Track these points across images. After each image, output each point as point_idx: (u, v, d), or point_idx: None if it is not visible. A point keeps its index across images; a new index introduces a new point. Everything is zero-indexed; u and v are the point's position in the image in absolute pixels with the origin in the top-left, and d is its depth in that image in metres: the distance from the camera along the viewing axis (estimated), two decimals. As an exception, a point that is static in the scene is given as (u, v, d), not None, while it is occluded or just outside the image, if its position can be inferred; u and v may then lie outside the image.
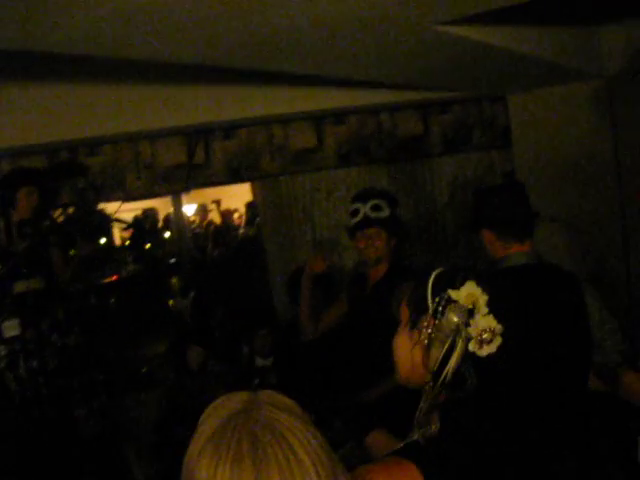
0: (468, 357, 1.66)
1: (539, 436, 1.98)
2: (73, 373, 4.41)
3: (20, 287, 4.24)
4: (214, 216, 10.51)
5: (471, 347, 1.65)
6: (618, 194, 4.98)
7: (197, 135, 4.83)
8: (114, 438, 4.34)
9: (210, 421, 1.14)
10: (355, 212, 3.72)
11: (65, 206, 4.69)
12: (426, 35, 2.97)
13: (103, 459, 4.27)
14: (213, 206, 10.50)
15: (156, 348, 5.61)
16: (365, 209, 3.65)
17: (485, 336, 1.64)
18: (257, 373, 4.40)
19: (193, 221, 10.64)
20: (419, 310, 1.72)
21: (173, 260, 8.62)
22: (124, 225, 8.13)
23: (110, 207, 7.02)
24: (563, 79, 4.82)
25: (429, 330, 1.68)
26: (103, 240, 7.86)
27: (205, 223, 10.40)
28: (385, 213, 3.66)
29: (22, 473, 3.92)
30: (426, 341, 1.68)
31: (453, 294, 1.68)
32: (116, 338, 6.10)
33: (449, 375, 1.64)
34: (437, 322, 1.67)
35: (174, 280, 7.84)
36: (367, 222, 3.64)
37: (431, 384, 1.66)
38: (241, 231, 9.79)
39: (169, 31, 2.46)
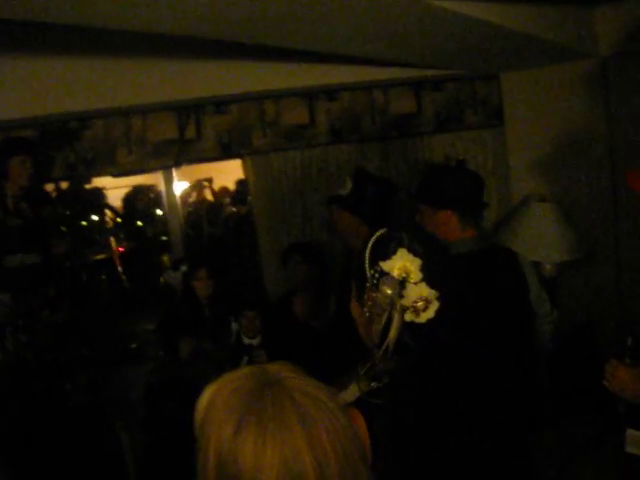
0: (408, 326, 1.69)
1: (476, 398, 2.01)
2: (61, 349, 4.41)
3: (14, 261, 4.22)
4: (207, 194, 10.48)
5: (407, 317, 1.68)
6: (610, 174, 4.98)
7: (188, 110, 4.80)
8: (103, 411, 4.35)
9: (231, 401, 1.12)
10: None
11: (58, 180, 4.66)
12: (421, 10, 2.94)
13: (92, 431, 4.28)
14: (205, 184, 10.46)
15: (145, 325, 5.61)
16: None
17: (419, 304, 1.67)
18: (245, 351, 4.39)
19: (186, 198, 10.59)
20: (360, 281, 1.73)
21: (164, 238, 8.60)
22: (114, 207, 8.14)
23: (101, 182, 7.02)
24: (557, 58, 4.80)
25: (369, 304, 1.70)
26: (95, 217, 7.86)
27: (198, 200, 10.37)
28: (347, 189, 3.76)
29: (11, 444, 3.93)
30: (368, 315, 1.71)
31: (385, 266, 1.69)
32: (106, 315, 6.09)
33: (390, 346, 1.66)
34: (374, 296, 1.69)
35: (165, 257, 7.82)
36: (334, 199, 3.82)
37: (378, 353, 1.69)
38: (232, 209, 9.76)
39: (163, 2, 2.42)
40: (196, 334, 4.53)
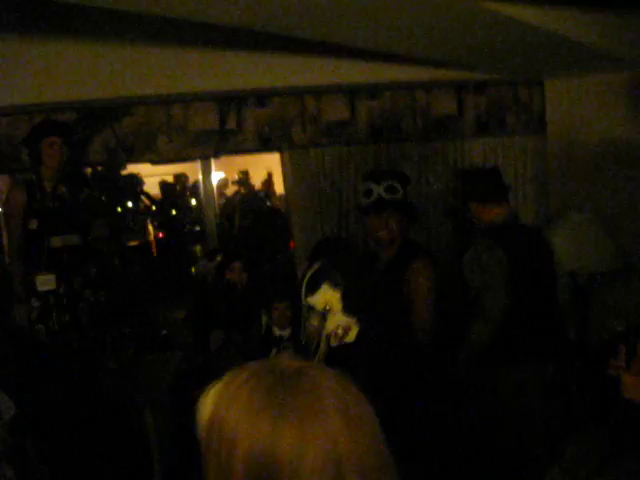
0: (335, 349, 1.96)
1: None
2: (104, 328, 4.48)
3: (56, 242, 4.28)
4: (241, 186, 10.52)
5: (333, 342, 1.94)
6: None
7: (230, 101, 4.81)
8: (132, 395, 4.39)
9: (255, 398, 1.09)
10: (368, 192, 3.74)
11: (96, 164, 4.71)
12: (470, 11, 2.93)
13: (121, 414, 4.33)
14: (241, 176, 10.50)
15: (175, 314, 5.64)
16: (379, 190, 3.69)
17: (339, 332, 1.92)
18: (275, 343, 4.40)
19: (220, 190, 10.63)
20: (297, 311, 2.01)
21: (197, 228, 8.65)
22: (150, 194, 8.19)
23: (135, 169, 7.06)
24: (603, 67, 4.74)
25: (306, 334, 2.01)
26: (130, 204, 7.92)
27: (233, 192, 10.40)
28: (399, 195, 3.72)
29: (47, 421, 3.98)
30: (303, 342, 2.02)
31: (311, 301, 1.95)
32: (139, 300, 6.14)
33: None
34: (307, 326, 1.98)
35: (197, 248, 7.87)
36: (382, 205, 3.69)
37: None
38: (267, 203, 9.80)
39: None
40: (226, 325, 4.55)
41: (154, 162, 4.95)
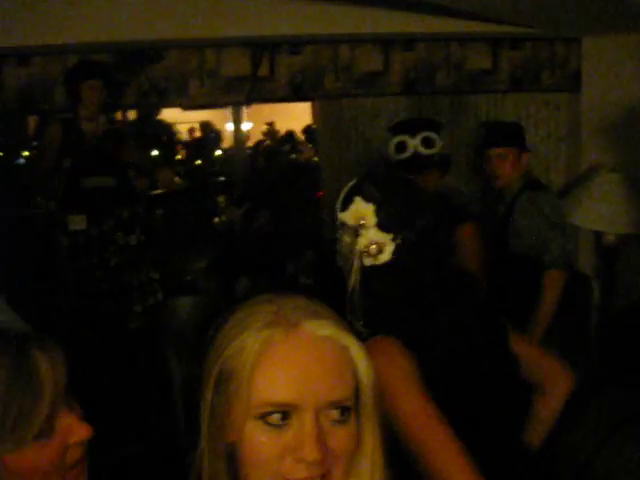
0: (368, 269, 1.81)
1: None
2: (133, 271, 4.52)
3: (90, 183, 4.31)
4: (267, 138, 10.51)
5: (367, 262, 1.80)
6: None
7: (263, 48, 4.78)
8: (157, 338, 4.44)
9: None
10: (401, 146, 3.36)
11: (129, 107, 4.72)
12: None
13: (146, 357, 4.39)
14: (268, 127, 10.49)
15: (197, 263, 5.67)
16: (415, 143, 3.33)
17: (372, 249, 1.78)
18: (301, 290, 4.43)
19: (247, 138, 10.60)
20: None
21: (222, 178, 8.66)
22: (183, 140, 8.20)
23: (168, 114, 7.07)
24: (641, 26, 4.66)
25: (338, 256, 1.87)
26: (155, 152, 7.93)
27: (255, 142, 10.39)
28: (437, 148, 3.38)
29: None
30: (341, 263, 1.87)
31: (342, 217, 1.83)
32: (164, 247, 6.18)
33: (356, 289, 1.79)
34: (339, 247, 1.84)
35: (221, 198, 7.89)
36: (420, 161, 3.32)
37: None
38: (292, 156, 9.79)
39: None
40: (253, 272, 4.59)
41: (185, 107, 4.96)
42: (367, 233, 1.78)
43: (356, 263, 1.78)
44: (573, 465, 2.11)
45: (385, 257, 1.78)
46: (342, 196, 1.85)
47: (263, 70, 4.79)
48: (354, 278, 1.78)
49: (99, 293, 4.40)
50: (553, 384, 2.08)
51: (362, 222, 1.77)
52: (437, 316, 1.82)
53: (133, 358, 4.35)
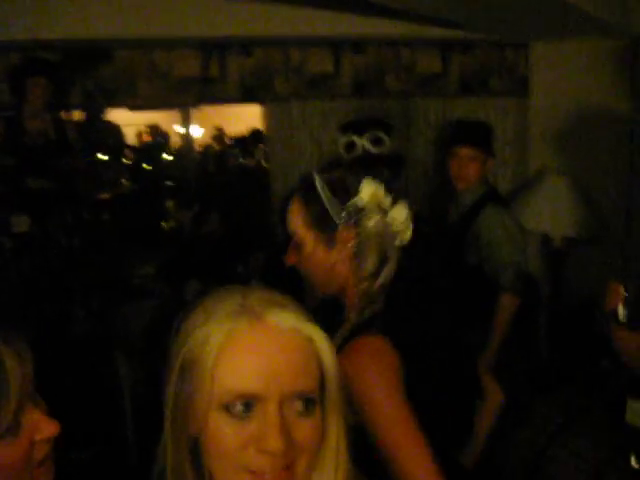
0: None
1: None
2: (76, 274, 4.43)
3: (33, 183, 4.21)
4: (215, 142, 10.43)
5: (397, 242, 1.74)
6: (629, 155, 4.95)
7: (213, 48, 4.74)
8: (105, 340, 4.36)
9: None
10: (350, 146, 3.44)
11: (75, 107, 4.62)
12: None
13: (93, 362, 4.30)
14: (216, 132, 10.40)
15: (145, 267, 5.60)
16: (363, 142, 3.41)
17: (403, 225, 1.74)
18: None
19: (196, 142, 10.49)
20: (326, 227, 1.73)
21: (170, 183, 8.56)
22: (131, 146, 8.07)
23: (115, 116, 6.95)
24: (589, 32, 4.73)
25: (353, 242, 1.72)
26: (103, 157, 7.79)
27: (204, 146, 10.31)
28: (386, 147, 3.45)
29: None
30: (354, 250, 1.72)
31: (359, 202, 1.71)
32: (109, 251, 6.08)
33: (390, 272, 1.71)
34: (358, 232, 1.71)
35: (170, 203, 7.79)
36: (369, 160, 3.37)
37: (366, 284, 1.70)
38: (240, 160, 9.73)
39: None
40: (202, 275, 4.54)
41: (133, 108, 4.89)
42: (395, 212, 1.72)
43: (393, 248, 1.72)
44: (523, 461, 2.13)
45: (408, 235, 1.74)
46: (327, 185, 1.74)
47: (213, 71, 4.76)
48: (392, 265, 1.72)
49: (41, 296, 4.30)
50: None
51: (378, 203, 1.71)
52: (431, 323, 1.81)
53: (79, 363, 4.25)
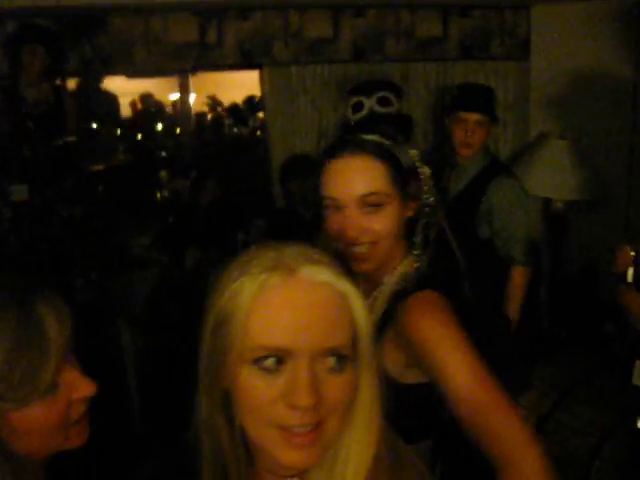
0: None
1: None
2: (76, 243, 4.40)
3: (31, 152, 4.17)
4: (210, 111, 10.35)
5: None
6: (632, 118, 4.92)
7: (211, 13, 4.68)
8: (106, 312, 4.35)
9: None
10: (358, 106, 3.43)
11: (72, 74, 4.56)
12: None
13: (95, 330, 4.29)
14: (209, 101, 10.31)
15: (142, 238, 5.58)
16: (371, 103, 3.39)
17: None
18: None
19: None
20: (402, 183, 1.74)
21: (163, 153, 8.51)
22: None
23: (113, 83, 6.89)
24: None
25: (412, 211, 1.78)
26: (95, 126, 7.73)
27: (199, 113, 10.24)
28: (394, 107, 3.42)
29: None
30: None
31: (426, 171, 1.80)
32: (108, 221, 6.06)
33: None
34: (425, 198, 1.78)
35: (163, 173, 7.75)
36: (375, 119, 3.34)
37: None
38: (234, 130, 9.67)
39: None
40: (202, 243, 4.52)
41: (130, 75, 4.83)
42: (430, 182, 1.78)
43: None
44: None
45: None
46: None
47: (211, 36, 4.70)
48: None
49: (42, 265, 4.28)
50: None
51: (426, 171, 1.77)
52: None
53: (82, 331, 4.24)
